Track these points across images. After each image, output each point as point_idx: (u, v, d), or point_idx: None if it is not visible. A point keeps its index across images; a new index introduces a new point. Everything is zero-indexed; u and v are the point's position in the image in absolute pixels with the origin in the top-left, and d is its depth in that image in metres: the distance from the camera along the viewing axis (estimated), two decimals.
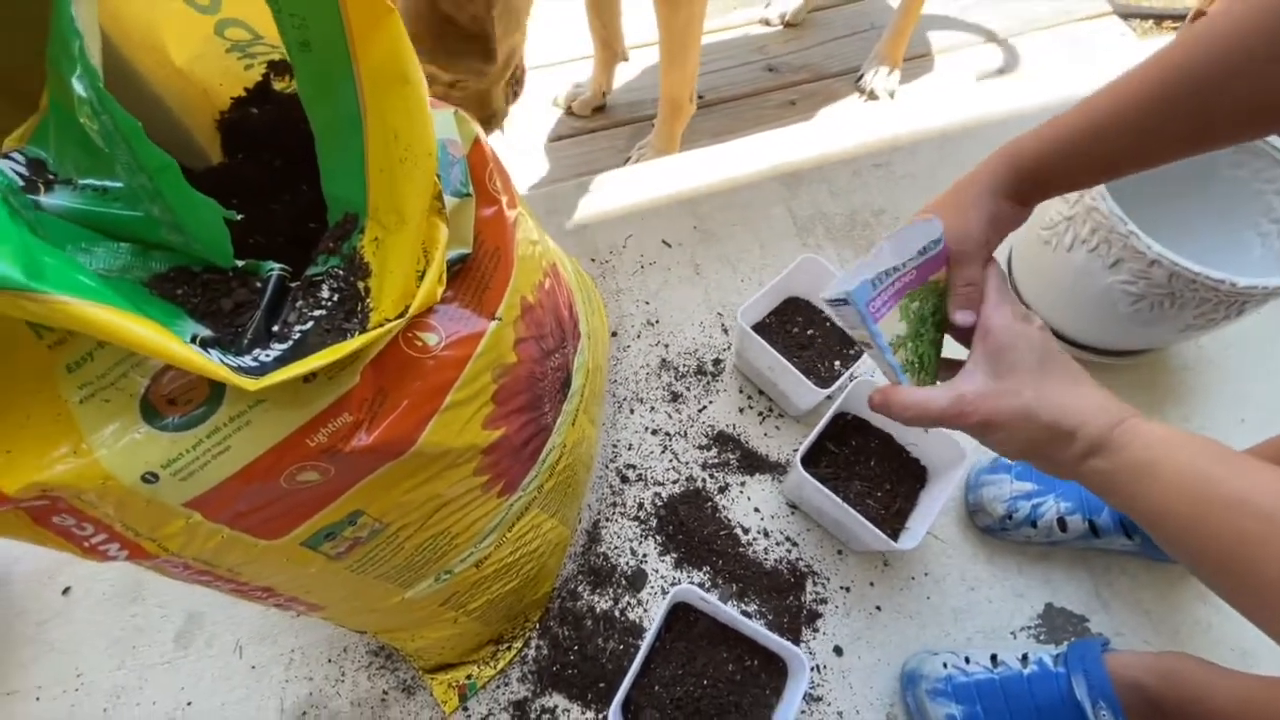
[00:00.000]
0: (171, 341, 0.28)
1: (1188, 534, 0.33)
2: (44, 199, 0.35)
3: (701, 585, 0.67)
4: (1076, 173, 0.42)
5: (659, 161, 0.97)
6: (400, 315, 0.35)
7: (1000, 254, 0.85)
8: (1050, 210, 0.70)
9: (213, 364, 0.29)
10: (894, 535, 0.63)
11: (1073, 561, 0.69)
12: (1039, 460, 0.38)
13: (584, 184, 0.94)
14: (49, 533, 0.34)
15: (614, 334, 0.81)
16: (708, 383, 0.78)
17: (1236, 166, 0.71)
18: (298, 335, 0.35)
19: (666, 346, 0.80)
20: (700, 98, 1.22)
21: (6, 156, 0.37)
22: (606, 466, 0.73)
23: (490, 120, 0.80)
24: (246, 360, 0.34)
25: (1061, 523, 0.65)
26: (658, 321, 0.82)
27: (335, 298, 0.37)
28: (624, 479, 0.72)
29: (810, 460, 0.67)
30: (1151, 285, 0.62)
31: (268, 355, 0.34)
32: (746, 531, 0.70)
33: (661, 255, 0.87)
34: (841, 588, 0.67)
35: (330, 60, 0.34)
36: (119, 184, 0.33)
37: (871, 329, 0.41)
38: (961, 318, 0.43)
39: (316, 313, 0.36)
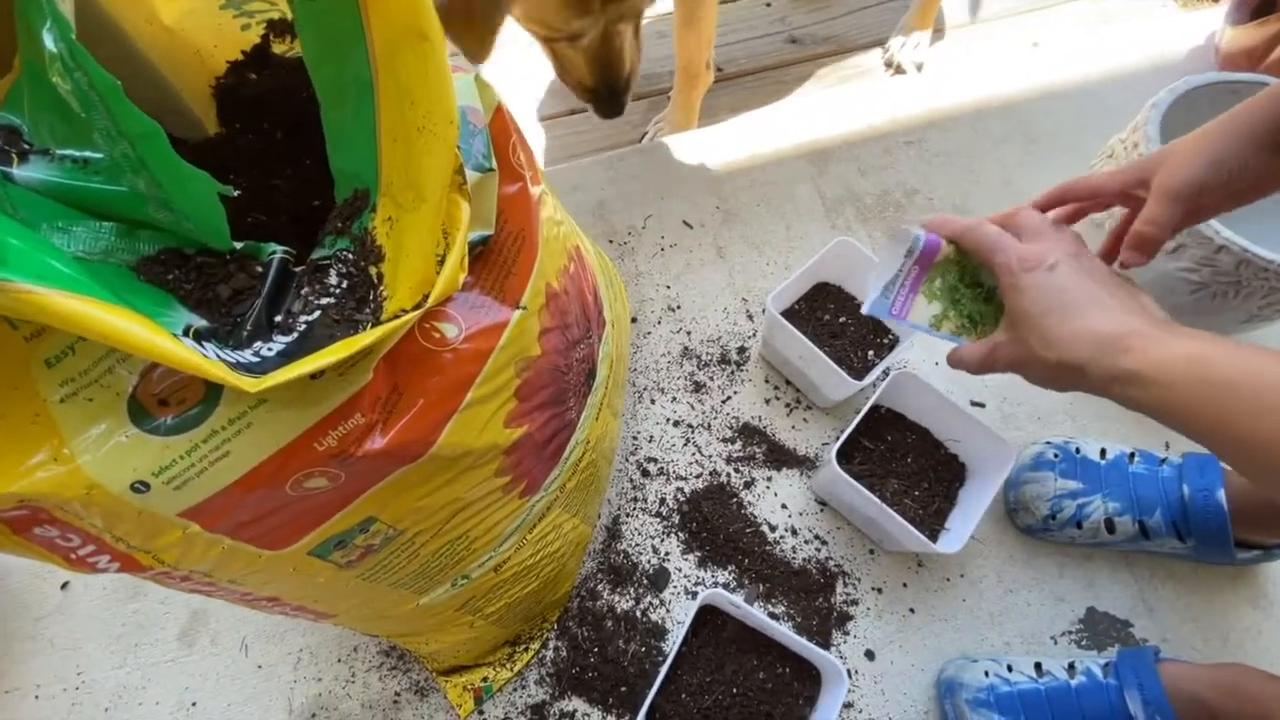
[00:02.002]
0: (159, 337, 0.24)
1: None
2: (16, 171, 0.31)
3: (726, 585, 0.64)
4: None
5: (678, 137, 0.92)
6: (418, 306, 0.31)
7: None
8: None
9: (207, 362, 0.25)
10: (932, 536, 0.60)
11: (1116, 564, 0.66)
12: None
13: (600, 161, 0.89)
14: (31, 544, 0.31)
15: (634, 320, 0.77)
16: (732, 372, 0.74)
17: None
18: (303, 326, 0.32)
19: (689, 333, 0.77)
20: (719, 70, 1.17)
21: None
22: (627, 460, 0.70)
23: (607, 99, 0.72)
24: (246, 355, 0.30)
25: (1109, 524, 0.62)
26: (679, 307, 0.78)
27: (345, 284, 0.33)
28: (645, 473, 0.69)
29: (844, 456, 0.63)
30: (1216, 273, 0.58)
31: (270, 349, 0.31)
32: (773, 529, 0.66)
33: (683, 237, 0.83)
34: (873, 589, 0.64)
35: (337, 12, 0.29)
36: (100, 155, 0.29)
37: (907, 326, 0.47)
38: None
39: (324, 301, 0.32)
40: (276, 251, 0.33)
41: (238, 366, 0.29)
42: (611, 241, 0.82)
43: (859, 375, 0.67)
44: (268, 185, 0.45)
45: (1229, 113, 0.43)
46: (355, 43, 0.30)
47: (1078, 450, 0.66)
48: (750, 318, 0.78)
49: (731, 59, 1.21)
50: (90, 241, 0.30)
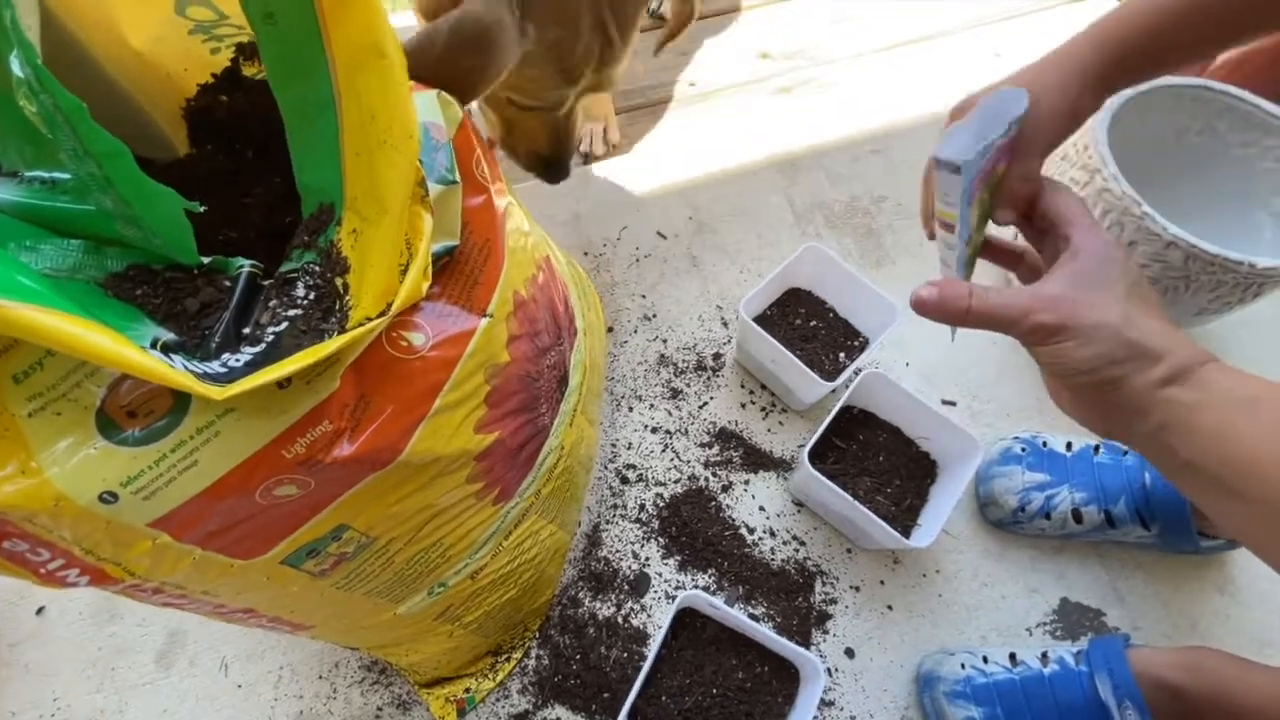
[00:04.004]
0: (125, 348, 0.25)
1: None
2: None
3: (707, 588, 0.64)
4: (1166, 53, 0.39)
5: (652, 151, 0.94)
6: (382, 313, 0.32)
7: (1005, 232, 0.83)
8: None
9: (173, 372, 0.26)
10: (905, 532, 0.61)
11: (1087, 555, 0.67)
12: (1100, 384, 0.34)
13: (574, 175, 0.91)
14: (0, 560, 0.31)
15: (610, 329, 0.78)
16: (708, 378, 0.76)
17: (1246, 145, 0.69)
18: (270, 338, 0.32)
19: (665, 341, 0.78)
20: (692, 85, 1.19)
21: None
22: (606, 467, 0.70)
23: (556, 166, 0.69)
24: (214, 366, 0.31)
25: (1076, 514, 0.63)
26: (655, 316, 0.80)
27: (312, 296, 0.34)
28: (624, 480, 0.70)
29: (817, 456, 0.65)
30: (1167, 269, 0.60)
31: (237, 360, 0.31)
32: (752, 531, 0.67)
33: (657, 247, 0.85)
34: (851, 587, 0.65)
35: (298, 33, 0.30)
36: (67, 175, 0.30)
37: (964, 212, 0.38)
38: (1003, 215, 0.39)
39: (291, 312, 0.33)
40: (244, 265, 0.34)
41: (205, 377, 0.29)
42: (587, 254, 0.84)
43: (830, 377, 0.68)
44: (239, 204, 0.46)
45: (1053, 56, 0.42)
46: (317, 63, 0.31)
47: (1044, 444, 0.68)
48: (725, 324, 0.79)
49: (704, 74, 1.23)
50: (58, 259, 0.31)
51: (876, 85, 1.03)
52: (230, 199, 0.45)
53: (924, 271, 0.83)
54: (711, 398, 0.74)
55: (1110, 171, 0.61)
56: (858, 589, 0.65)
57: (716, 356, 0.77)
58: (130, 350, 0.25)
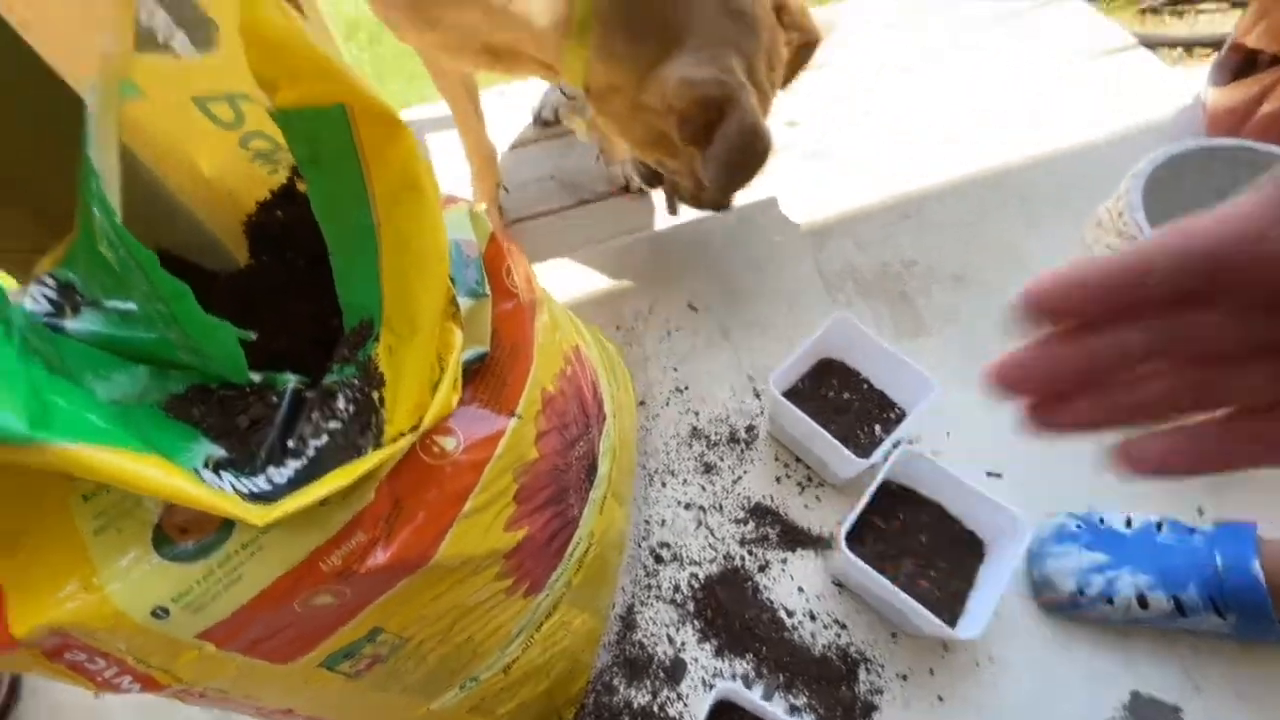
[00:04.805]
0: (176, 478, 0.27)
1: None
2: (69, 324, 0.35)
3: (745, 676, 0.62)
4: None
5: (682, 223, 0.97)
6: (414, 428, 0.33)
7: None
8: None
9: (218, 498, 0.28)
10: (952, 619, 0.58)
11: (1158, 641, 0.62)
12: None
13: (605, 251, 0.94)
14: (61, 668, 0.33)
15: (642, 403, 0.79)
16: (742, 451, 0.75)
17: None
18: (313, 452, 0.34)
19: (697, 414, 0.78)
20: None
21: (39, 281, 0.38)
22: (639, 545, 0.70)
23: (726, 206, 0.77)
24: (259, 482, 0.33)
25: (1141, 599, 0.59)
26: (687, 388, 0.80)
27: (351, 409, 0.36)
28: (658, 559, 0.69)
29: (855, 538, 0.63)
30: None
31: (282, 476, 0.33)
32: (791, 614, 0.65)
33: (688, 319, 0.86)
34: (898, 675, 0.62)
35: (342, 175, 0.33)
36: (137, 307, 0.33)
37: None
38: None
39: (332, 425, 0.35)
40: (290, 381, 0.36)
41: (250, 496, 0.31)
42: (618, 328, 0.85)
43: (866, 452, 0.67)
44: (292, 309, 0.49)
45: None
46: (359, 198, 0.34)
47: (1101, 520, 0.65)
48: (757, 396, 0.79)
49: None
50: (127, 386, 0.33)
51: (904, 149, 1.04)
52: (284, 306, 0.49)
53: (961, 338, 0.81)
54: (745, 472, 0.74)
55: (1148, 237, 0.60)
56: (905, 678, 0.62)
57: (749, 429, 0.76)
58: (181, 480, 0.27)
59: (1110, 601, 0.60)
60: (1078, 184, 0.94)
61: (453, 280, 0.37)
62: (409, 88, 1.65)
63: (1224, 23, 1.59)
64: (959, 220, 0.92)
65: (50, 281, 0.37)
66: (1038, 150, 0.99)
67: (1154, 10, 1.59)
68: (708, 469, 0.74)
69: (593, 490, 0.51)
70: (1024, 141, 1.01)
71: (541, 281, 0.91)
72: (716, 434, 0.76)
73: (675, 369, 0.82)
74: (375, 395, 0.36)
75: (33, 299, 0.36)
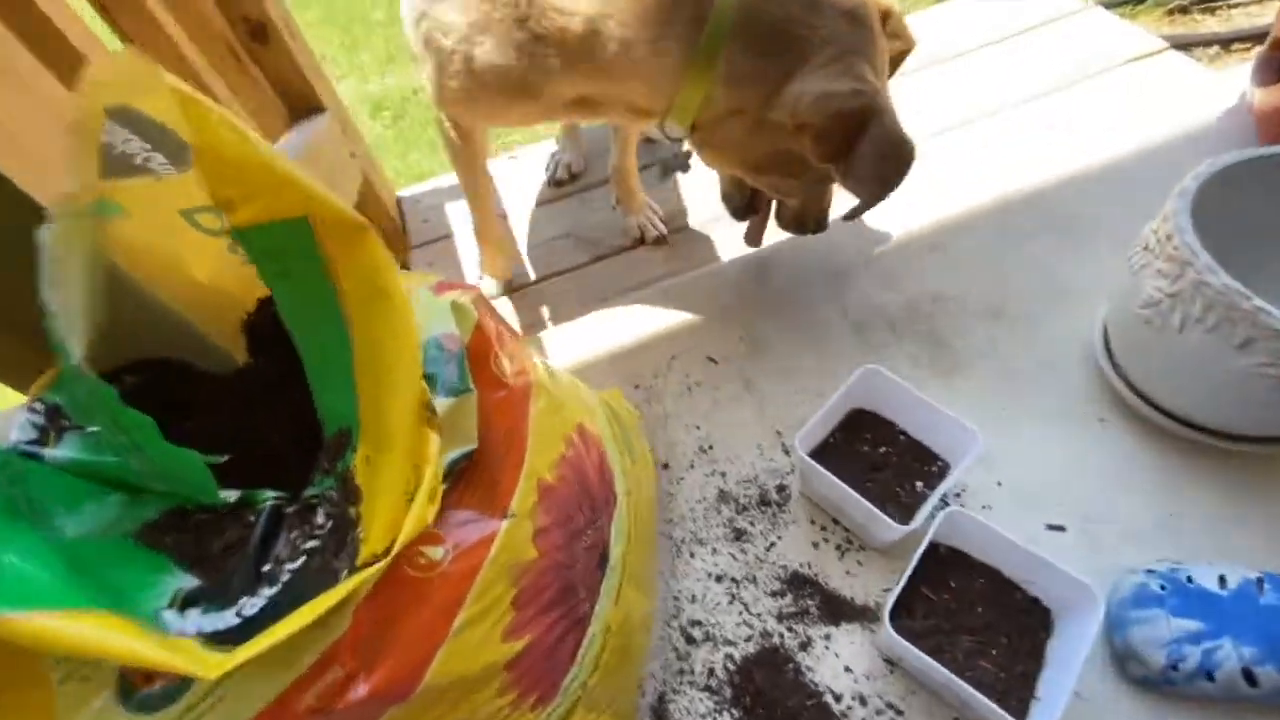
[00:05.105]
0: (123, 638, 0.25)
1: None
2: (49, 451, 0.35)
3: None
4: None
5: (699, 273, 0.94)
6: (386, 552, 0.31)
7: (1093, 326, 0.75)
8: (1147, 286, 0.60)
9: (168, 653, 0.26)
10: (1022, 708, 0.51)
11: (1274, 717, 0.54)
12: None
13: (620, 306, 0.92)
14: None
15: (665, 466, 0.76)
16: (774, 514, 0.70)
17: None
18: (287, 576, 0.32)
19: (724, 475, 0.74)
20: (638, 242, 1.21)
21: (30, 405, 0.37)
22: (669, 624, 0.65)
23: (819, 227, 0.81)
24: (228, 617, 0.30)
25: (1249, 675, 0.51)
26: (712, 447, 0.76)
27: (329, 525, 0.34)
28: (689, 639, 0.64)
29: (903, 610, 0.57)
30: None
31: (254, 606, 0.31)
32: (839, 699, 0.59)
33: (709, 373, 0.82)
34: None
35: (310, 284, 0.32)
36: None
37: None
38: None
39: (310, 544, 0.33)
40: (268, 499, 0.34)
41: (214, 636, 0.29)
42: (637, 387, 0.83)
43: (908, 510, 0.62)
44: (288, 404, 0.48)
45: None
46: (329, 307, 0.33)
47: (1189, 579, 0.57)
48: (786, 452, 0.74)
49: None
50: (98, 517, 0.32)
51: (926, 175, 1.00)
52: (280, 403, 0.48)
53: (1001, 375, 0.76)
54: (779, 537, 0.69)
55: (1204, 263, 0.54)
56: None
57: (781, 489, 0.72)
58: (128, 639, 0.25)
59: (1211, 678, 0.52)
60: (1116, 203, 0.88)
61: (431, 380, 0.35)
62: (432, 157, 1.70)
63: (1262, 14, 1.51)
64: (990, 250, 0.87)
65: (39, 406, 0.37)
66: (1071, 169, 0.94)
67: (1183, 9, 1.53)
68: (739, 535, 0.69)
69: (605, 581, 0.48)
70: (1055, 160, 0.95)
71: (558, 342, 0.90)
72: (746, 496, 0.72)
73: (698, 426, 0.78)
74: (352, 511, 0.33)
75: (21, 425, 0.36)
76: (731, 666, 0.62)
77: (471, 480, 0.38)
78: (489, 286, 1.13)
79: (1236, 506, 0.64)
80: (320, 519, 0.34)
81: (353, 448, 0.35)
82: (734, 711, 0.60)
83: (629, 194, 1.13)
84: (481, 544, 0.37)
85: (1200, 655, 0.53)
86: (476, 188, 0.94)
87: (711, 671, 0.62)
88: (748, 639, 0.63)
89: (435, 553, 0.35)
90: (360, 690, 0.32)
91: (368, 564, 0.31)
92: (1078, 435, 0.70)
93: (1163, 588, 0.57)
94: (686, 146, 0.76)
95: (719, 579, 0.67)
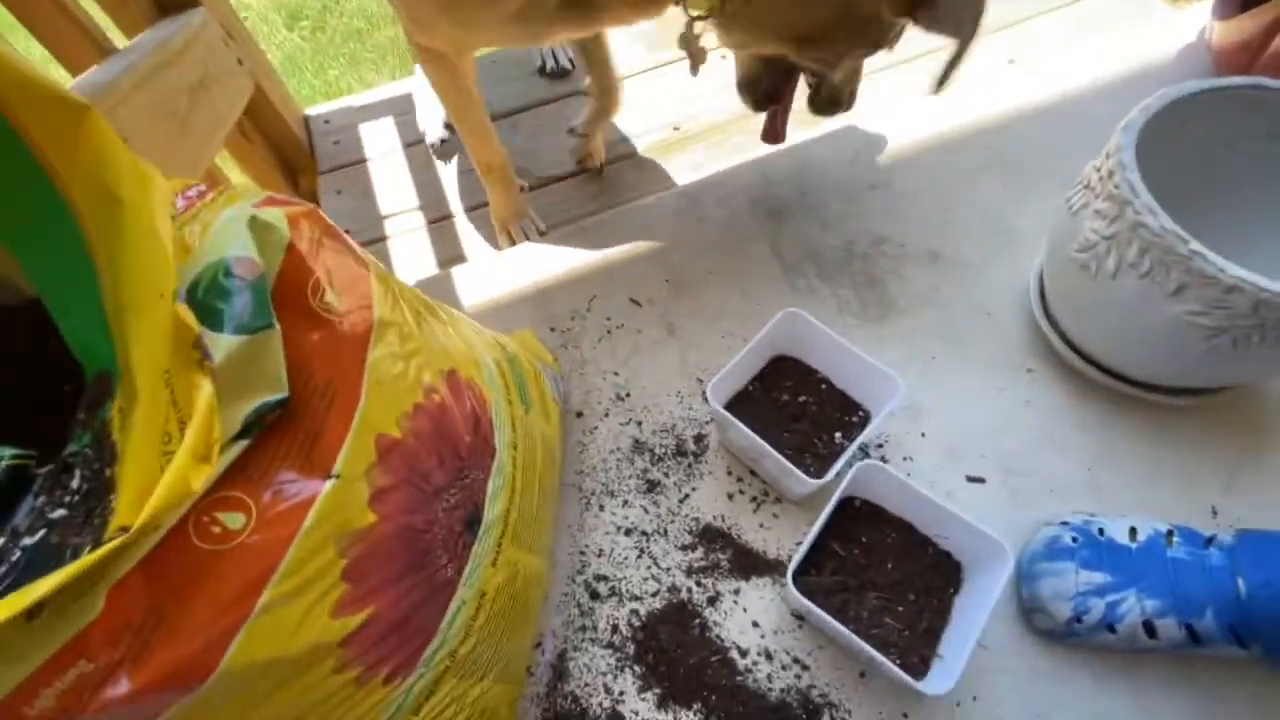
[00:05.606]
0: None
1: None
2: None
3: None
4: None
5: (625, 208, 0.87)
6: (132, 527, 0.25)
7: (1029, 274, 0.71)
8: (1084, 228, 0.56)
9: None
10: (923, 663, 0.49)
11: (1170, 670, 0.54)
12: None
13: (539, 244, 0.85)
14: None
15: (579, 414, 0.71)
16: (689, 465, 0.66)
17: None
18: (18, 555, 0.26)
19: (640, 424, 0.69)
20: (675, 129, 1.13)
21: None
22: (573, 580, 0.62)
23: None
24: None
25: (1149, 627, 0.50)
26: (629, 395, 0.71)
27: (84, 489, 0.27)
28: (594, 595, 0.61)
29: (813, 565, 0.54)
30: (1232, 316, 0.48)
31: None
32: (744, 654, 0.57)
33: (631, 316, 0.77)
34: None
35: (13, 180, 0.25)
36: None
37: None
38: None
39: (57, 514, 0.27)
40: (3, 458, 0.28)
41: None
42: (553, 329, 0.76)
43: (825, 463, 0.58)
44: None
45: None
46: (51, 210, 0.25)
47: (1101, 531, 0.56)
48: (707, 400, 0.70)
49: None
50: None
51: (874, 110, 0.94)
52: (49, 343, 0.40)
53: (934, 322, 0.72)
54: (694, 489, 0.65)
55: (1144, 202, 0.50)
56: None
57: (699, 439, 0.68)
58: None
59: (1113, 629, 0.51)
60: (1067, 139, 0.83)
61: (214, 313, 0.28)
62: (351, 73, 1.55)
63: None
64: (934, 189, 0.82)
65: None
66: (1021, 102, 0.88)
67: None
68: (651, 487, 0.65)
69: (477, 544, 0.43)
70: (1005, 92, 0.90)
71: (470, 280, 0.83)
72: (662, 447, 0.68)
73: (616, 373, 0.73)
74: (108, 473, 0.27)
75: None
76: (636, 623, 0.59)
77: (285, 435, 0.32)
78: (501, 238, 0.97)
79: (1158, 459, 0.63)
80: (76, 482, 0.28)
81: (112, 396, 0.28)
82: (636, 669, 0.57)
83: (611, 105, 1.01)
84: (296, 510, 0.31)
85: (1105, 608, 0.52)
86: (465, 114, 0.82)
87: (615, 628, 0.59)
88: (654, 594, 0.60)
89: (234, 521, 0.29)
90: (121, 686, 0.26)
91: (114, 538, 0.25)
92: (1005, 386, 0.67)
93: (1075, 540, 0.55)
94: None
95: (628, 532, 0.63)
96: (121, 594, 0.26)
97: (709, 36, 0.69)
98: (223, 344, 0.28)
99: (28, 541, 0.26)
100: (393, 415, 0.36)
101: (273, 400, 0.31)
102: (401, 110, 1.20)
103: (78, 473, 0.28)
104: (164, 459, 0.26)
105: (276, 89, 1.06)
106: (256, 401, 0.30)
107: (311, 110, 1.19)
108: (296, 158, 1.10)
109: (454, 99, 0.80)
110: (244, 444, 0.30)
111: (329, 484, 0.32)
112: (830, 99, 0.73)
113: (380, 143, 1.15)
